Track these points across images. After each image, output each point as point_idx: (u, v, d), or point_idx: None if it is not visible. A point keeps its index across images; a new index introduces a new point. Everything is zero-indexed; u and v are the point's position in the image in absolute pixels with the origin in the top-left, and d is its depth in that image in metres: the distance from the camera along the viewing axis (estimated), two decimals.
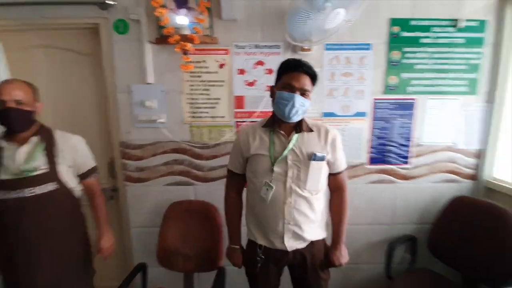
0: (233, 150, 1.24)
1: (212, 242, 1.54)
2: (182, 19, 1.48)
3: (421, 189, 1.76)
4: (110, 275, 1.75)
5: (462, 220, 1.58)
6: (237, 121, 1.65)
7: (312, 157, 1.09)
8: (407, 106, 1.67)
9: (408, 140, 1.70)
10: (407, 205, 1.78)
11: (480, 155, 1.72)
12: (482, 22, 1.58)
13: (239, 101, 1.63)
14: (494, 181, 1.67)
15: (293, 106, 1.05)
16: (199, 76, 1.60)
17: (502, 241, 1.39)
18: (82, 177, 1.29)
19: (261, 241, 1.18)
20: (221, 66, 1.60)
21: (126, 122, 1.64)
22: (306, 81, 1.07)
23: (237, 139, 1.22)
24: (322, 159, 1.11)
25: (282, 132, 1.13)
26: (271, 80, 1.52)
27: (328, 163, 1.17)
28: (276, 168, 1.10)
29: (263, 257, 1.17)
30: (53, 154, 1.18)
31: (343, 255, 1.22)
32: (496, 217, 1.45)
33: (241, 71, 1.60)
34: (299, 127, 1.13)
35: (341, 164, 1.21)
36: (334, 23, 1.27)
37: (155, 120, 1.61)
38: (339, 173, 1.21)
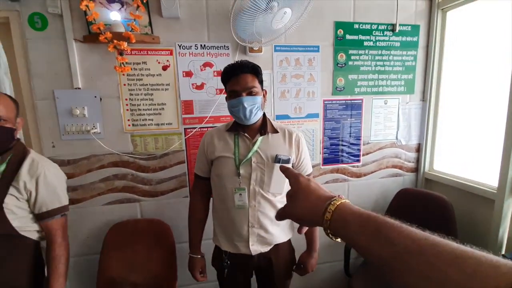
0: (198, 153, 1.21)
1: (165, 266, 1.38)
2: (114, 15, 1.30)
3: (371, 185, 1.84)
4: None
5: (407, 211, 1.69)
6: (186, 128, 1.52)
7: (276, 159, 1.08)
8: (355, 106, 1.72)
9: (358, 139, 1.76)
10: (360, 201, 1.84)
11: (419, 149, 1.87)
12: (415, 27, 1.71)
13: (187, 106, 1.50)
14: (432, 172, 1.83)
15: (244, 108, 1.04)
16: (139, 79, 1.43)
17: (442, 227, 1.50)
18: (39, 217, 1.03)
19: (225, 247, 1.15)
20: (165, 68, 1.45)
21: (50, 134, 1.38)
22: (247, 79, 1.06)
23: (202, 141, 1.19)
24: (287, 162, 1.10)
25: (247, 134, 1.12)
26: (221, 83, 1.44)
27: (293, 167, 1.15)
28: (241, 171, 1.08)
29: (228, 262, 1.15)
30: (8, 181, 0.94)
31: (316, 262, 1.23)
32: (435, 205, 1.57)
33: (188, 74, 1.48)
34: (264, 129, 1.12)
35: (307, 167, 1.20)
36: (281, 23, 1.23)
37: (87, 131, 1.39)
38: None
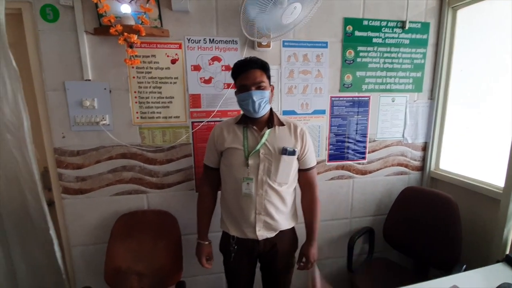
0: (208, 144, 1.28)
1: (171, 256, 1.41)
2: (124, 7, 1.31)
3: (376, 182, 1.84)
4: None
5: (411, 209, 1.69)
6: (194, 122, 1.53)
7: (283, 151, 1.15)
8: (362, 104, 1.72)
9: (364, 136, 1.76)
10: (364, 198, 1.84)
11: (425, 148, 1.86)
12: (425, 24, 1.69)
13: (195, 100, 1.51)
14: (437, 171, 1.82)
15: (253, 102, 1.11)
16: (148, 72, 1.44)
17: (447, 226, 1.50)
18: None
19: (233, 232, 1.22)
20: (174, 61, 1.46)
21: (60, 125, 1.40)
22: (256, 74, 1.12)
23: (212, 134, 1.26)
24: (292, 153, 1.17)
25: (255, 127, 1.18)
26: (229, 77, 1.46)
27: (298, 158, 1.22)
28: (249, 161, 1.14)
29: (236, 247, 1.21)
30: None
31: (316, 252, 1.28)
32: (441, 204, 1.57)
33: (196, 67, 1.48)
34: (271, 122, 1.19)
35: (311, 160, 1.26)
36: (291, 18, 1.23)
37: (97, 122, 1.41)
38: (309, 169, 1.26)
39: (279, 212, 1.19)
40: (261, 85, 1.12)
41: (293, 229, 1.30)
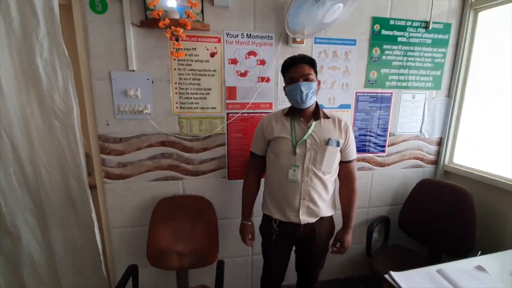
0: (256, 134, 1.37)
1: (208, 238, 1.51)
2: (171, 2, 1.37)
3: (393, 174, 1.95)
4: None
5: (427, 200, 1.81)
6: (229, 113, 1.61)
7: (329, 142, 1.23)
8: (385, 99, 1.82)
9: (385, 131, 1.86)
10: (382, 189, 1.96)
11: (440, 143, 1.97)
12: (447, 25, 1.78)
13: (231, 92, 1.59)
14: (451, 165, 1.94)
15: (301, 92, 1.20)
16: (189, 65, 1.51)
17: (462, 215, 1.62)
18: None
19: (276, 216, 1.31)
20: (213, 55, 1.53)
21: (105, 113, 1.48)
22: (304, 67, 1.22)
23: (260, 124, 1.35)
24: (337, 144, 1.25)
25: (302, 119, 1.26)
26: (263, 71, 1.54)
27: (341, 151, 1.30)
28: (297, 150, 1.22)
29: (277, 229, 1.30)
30: None
31: (351, 238, 1.38)
32: (456, 195, 1.68)
33: (233, 61, 1.56)
34: (317, 115, 1.27)
35: (352, 153, 1.35)
36: (332, 17, 1.31)
37: (140, 111, 1.48)
38: (350, 161, 1.34)
39: (322, 199, 1.28)
40: (309, 77, 1.20)
41: (331, 217, 1.38)
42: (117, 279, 1.65)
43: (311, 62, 1.24)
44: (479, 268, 1.18)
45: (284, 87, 1.31)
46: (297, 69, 1.21)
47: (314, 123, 1.25)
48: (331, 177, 1.30)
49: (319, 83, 1.27)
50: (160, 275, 1.67)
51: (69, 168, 1.47)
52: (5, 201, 1.42)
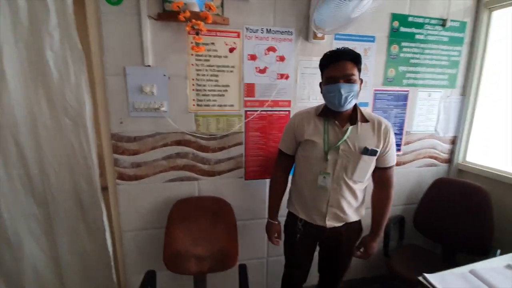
0: (286, 131, 1.29)
1: (227, 240, 1.45)
2: None
3: (408, 173, 1.94)
4: None
5: (443, 199, 1.80)
6: (247, 111, 1.55)
7: (364, 151, 1.12)
8: (402, 97, 1.79)
9: (401, 129, 1.84)
10: (397, 188, 1.89)
11: (454, 141, 1.97)
12: (463, 23, 1.77)
13: (249, 89, 1.53)
14: (464, 163, 1.94)
15: (340, 95, 1.06)
16: (207, 60, 1.45)
17: (479, 213, 1.61)
18: None
19: (302, 215, 1.26)
20: (231, 50, 1.47)
21: (119, 110, 1.40)
22: (347, 66, 1.07)
23: (292, 121, 1.26)
24: (374, 153, 1.14)
25: (337, 122, 1.14)
26: (282, 68, 1.49)
27: (378, 157, 1.17)
28: (328, 156, 1.13)
29: (302, 229, 1.26)
30: None
31: (377, 246, 1.30)
32: (472, 193, 1.68)
33: (252, 57, 1.50)
34: (354, 118, 1.14)
35: (391, 158, 1.21)
36: (359, 12, 1.27)
37: (156, 108, 1.41)
38: (387, 168, 1.23)
39: (350, 206, 1.21)
40: (351, 78, 1.05)
41: (359, 221, 1.31)
42: (128, 286, 1.58)
43: (356, 59, 1.07)
44: (510, 267, 1.17)
45: (320, 83, 1.18)
46: (338, 67, 1.05)
47: (350, 127, 1.12)
48: (362, 185, 1.22)
49: (361, 82, 1.12)
50: (175, 280, 1.59)
51: (79, 168, 1.38)
52: (7, 207, 1.32)
